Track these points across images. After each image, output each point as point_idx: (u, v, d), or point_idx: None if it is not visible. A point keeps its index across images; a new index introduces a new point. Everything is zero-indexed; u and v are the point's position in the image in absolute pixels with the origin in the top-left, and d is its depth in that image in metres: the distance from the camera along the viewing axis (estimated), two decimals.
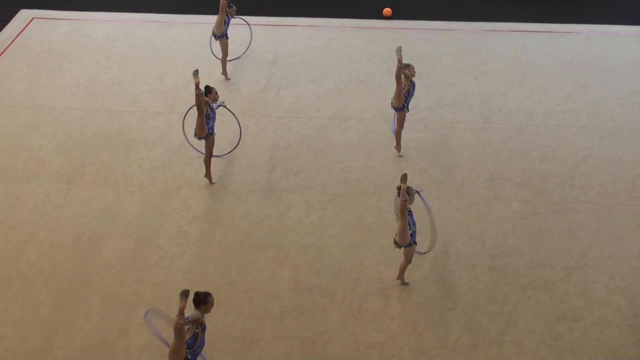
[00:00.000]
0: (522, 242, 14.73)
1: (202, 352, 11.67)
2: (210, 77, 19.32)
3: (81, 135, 17.57)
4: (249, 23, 19.87)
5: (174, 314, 13.22)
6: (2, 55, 20.74)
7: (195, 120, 15.30)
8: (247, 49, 20.19)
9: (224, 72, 19.44)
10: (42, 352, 12.80)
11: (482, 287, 13.84)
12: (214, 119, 15.45)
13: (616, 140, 17.39)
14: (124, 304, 13.55)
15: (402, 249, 13.18)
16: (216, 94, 15.44)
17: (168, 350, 10.99)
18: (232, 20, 19.08)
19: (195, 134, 15.50)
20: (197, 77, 15.10)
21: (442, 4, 23.37)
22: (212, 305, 11.26)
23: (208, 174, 16.07)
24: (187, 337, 11.01)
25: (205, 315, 11.26)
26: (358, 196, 15.80)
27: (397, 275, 13.91)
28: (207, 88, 15.34)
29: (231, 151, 16.74)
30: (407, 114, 16.37)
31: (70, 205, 15.65)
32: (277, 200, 15.77)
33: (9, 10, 22.78)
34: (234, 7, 18.93)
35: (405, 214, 12.77)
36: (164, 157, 16.89)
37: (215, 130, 15.61)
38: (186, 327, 10.91)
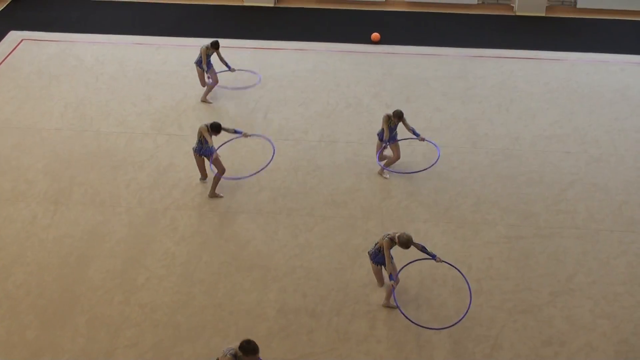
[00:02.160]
0: (508, 266, 14.79)
1: None
2: (197, 99, 19.45)
3: (69, 156, 17.58)
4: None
5: (159, 335, 13.24)
6: None
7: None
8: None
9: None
10: None
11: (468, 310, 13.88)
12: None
13: (602, 166, 17.50)
14: (110, 325, 13.50)
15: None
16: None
17: None
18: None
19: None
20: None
21: (430, 30, 23.54)
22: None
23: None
24: None
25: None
26: (345, 219, 15.84)
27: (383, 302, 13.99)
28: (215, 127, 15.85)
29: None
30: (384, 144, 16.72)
31: (58, 226, 15.63)
32: (264, 222, 15.79)
33: None
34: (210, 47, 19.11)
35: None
36: (151, 178, 16.90)
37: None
38: None
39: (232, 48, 21.29)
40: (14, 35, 22.74)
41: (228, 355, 10.63)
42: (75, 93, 19.97)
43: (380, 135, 16.60)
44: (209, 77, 19.38)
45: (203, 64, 19.12)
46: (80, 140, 18.10)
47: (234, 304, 13.91)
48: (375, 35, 22.68)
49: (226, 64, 19.09)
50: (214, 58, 19.71)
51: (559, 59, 21.87)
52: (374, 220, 15.79)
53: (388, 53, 22.09)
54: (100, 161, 17.43)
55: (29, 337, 13.27)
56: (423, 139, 16.42)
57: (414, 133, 16.32)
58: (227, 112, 19.15)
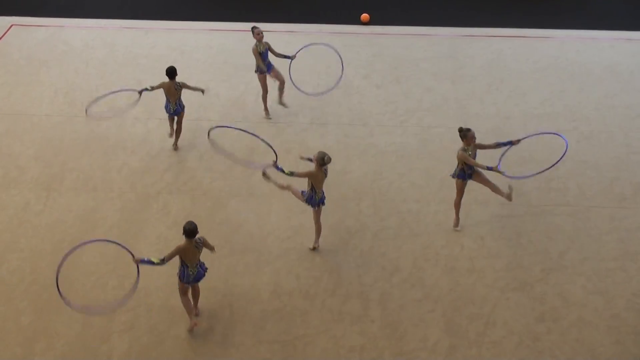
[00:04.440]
0: (500, 245, 14.85)
1: None
2: (189, 82, 19.31)
3: (60, 141, 17.56)
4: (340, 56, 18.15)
5: (154, 319, 13.28)
6: None
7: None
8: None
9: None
10: None
11: (460, 289, 13.94)
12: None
13: (593, 143, 17.56)
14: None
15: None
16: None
17: None
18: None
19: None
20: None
21: (419, 10, 23.52)
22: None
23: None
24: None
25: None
26: (337, 200, 15.86)
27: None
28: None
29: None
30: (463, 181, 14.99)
31: (50, 212, 15.63)
32: (256, 204, 15.82)
33: None
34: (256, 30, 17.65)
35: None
36: (143, 162, 16.90)
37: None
38: None
39: (222, 31, 21.28)
40: (3, 21, 22.66)
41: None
42: (65, 78, 19.93)
43: (462, 175, 14.76)
44: (275, 79, 18.07)
45: (262, 65, 17.72)
46: (71, 126, 18.08)
47: (228, 287, 13.95)
48: (364, 16, 22.67)
49: (283, 55, 17.70)
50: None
51: (548, 37, 21.90)
52: (366, 202, 15.84)
53: (378, 34, 22.09)
54: (91, 146, 17.42)
55: (23, 323, 13.29)
56: (518, 142, 14.67)
57: (499, 144, 14.70)
58: (217, 95, 19.14)
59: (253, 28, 17.58)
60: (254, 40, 17.59)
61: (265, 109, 18.39)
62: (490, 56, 20.99)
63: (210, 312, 13.46)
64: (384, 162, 16.96)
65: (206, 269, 12.92)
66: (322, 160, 13.73)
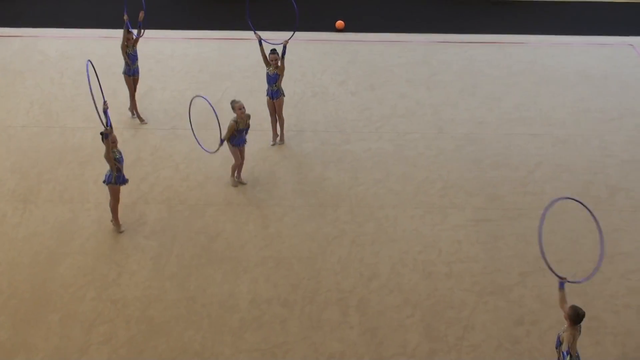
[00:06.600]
0: (477, 249, 14.92)
1: None
2: (164, 91, 19.37)
3: (36, 153, 17.48)
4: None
5: (133, 330, 13.24)
6: None
7: None
8: None
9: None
10: None
11: (439, 294, 13.99)
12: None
13: (568, 147, 17.68)
14: (83, 322, 13.46)
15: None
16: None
17: None
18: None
19: None
20: None
21: (393, 17, 23.60)
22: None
23: None
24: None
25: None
26: (314, 207, 15.90)
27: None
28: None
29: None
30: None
31: (27, 224, 15.55)
32: (233, 213, 15.81)
33: None
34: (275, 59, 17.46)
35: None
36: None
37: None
38: None
39: (197, 39, 21.23)
40: None
41: None
42: (40, 89, 19.84)
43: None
44: None
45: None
46: (47, 137, 18.01)
47: (206, 297, 13.93)
48: (339, 23, 22.73)
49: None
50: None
51: (522, 42, 22.04)
52: (343, 208, 15.87)
53: (353, 41, 22.15)
54: (67, 157, 17.35)
55: (1, 338, 13.19)
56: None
57: None
58: (194, 103, 19.05)
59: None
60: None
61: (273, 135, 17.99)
62: (464, 62, 21.10)
63: (189, 322, 13.44)
64: (361, 168, 17.00)
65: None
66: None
